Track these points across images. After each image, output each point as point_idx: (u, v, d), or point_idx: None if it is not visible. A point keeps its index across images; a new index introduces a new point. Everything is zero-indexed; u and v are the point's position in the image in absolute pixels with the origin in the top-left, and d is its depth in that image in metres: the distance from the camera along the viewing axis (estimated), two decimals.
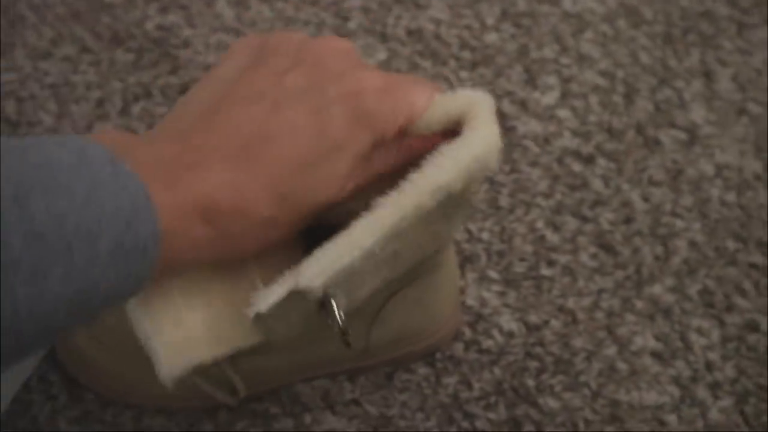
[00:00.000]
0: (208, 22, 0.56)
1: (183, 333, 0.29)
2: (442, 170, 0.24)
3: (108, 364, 0.39)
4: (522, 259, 0.47)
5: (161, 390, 0.39)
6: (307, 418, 0.42)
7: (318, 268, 0.25)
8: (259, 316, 0.26)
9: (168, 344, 0.29)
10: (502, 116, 0.52)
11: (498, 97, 0.53)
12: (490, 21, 0.57)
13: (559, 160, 0.51)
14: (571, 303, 0.45)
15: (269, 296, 0.25)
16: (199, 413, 0.41)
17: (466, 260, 0.47)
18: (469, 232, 0.48)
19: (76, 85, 0.53)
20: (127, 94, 0.53)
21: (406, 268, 0.31)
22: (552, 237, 0.48)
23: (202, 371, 0.37)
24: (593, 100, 0.54)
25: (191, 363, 0.29)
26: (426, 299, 0.38)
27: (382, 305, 0.36)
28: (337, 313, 0.27)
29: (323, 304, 0.27)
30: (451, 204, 0.26)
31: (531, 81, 0.54)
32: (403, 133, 0.27)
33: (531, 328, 0.44)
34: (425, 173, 0.24)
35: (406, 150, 0.27)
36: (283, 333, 0.29)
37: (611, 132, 0.52)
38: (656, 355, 0.44)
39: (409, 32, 0.56)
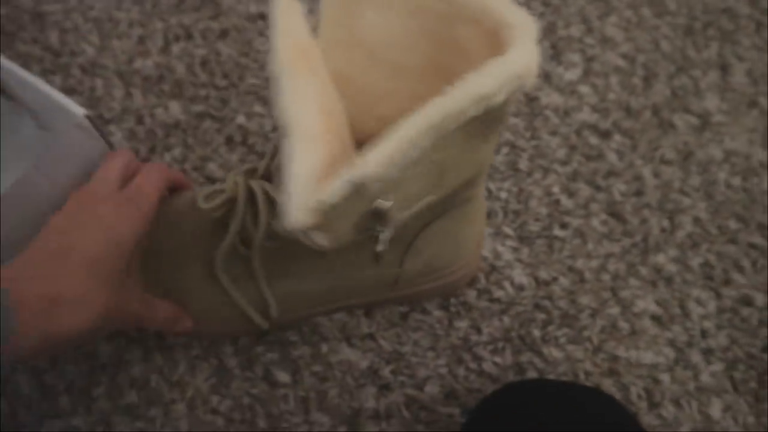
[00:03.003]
0: None
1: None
2: (485, 82, 0.26)
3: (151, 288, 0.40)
4: (536, 219, 0.49)
5: (198, 317, 0.40)
6: (324, 348, 0.44)
7: (373, 161, 0.27)
8: (323, 207, 0.27)
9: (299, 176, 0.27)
10: None
11: None
12: None
13: (578, 132, 0.53)
14: (579, 263, 0.48)
15: (334, 189, 0.27)
16: (220, 339, 0.43)
17: None
18: (488, 190, 0.50)
19: (119, 21, 0.55)
20: (168, 34, 0.55)
21: (447, 190, 0.32)
22: (566, 201, 0.50)
23: (241, 288, 0.39)
24: (613, 80, 0.56)
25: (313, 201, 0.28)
26: (457, 232, 0.39)
27: (416, 234, 0.38)
28: (388, 213, 0.29)
29: (376, 212, 0.29)
30: (489, 120, 0.28)
31: (556, 57, 0.56)
32: None
33: (540, 283, 0.47)
34: (470, 83, 0.27)
35: None
36: (336, 233, 0.30)
37: (629, 111, 0.55)
38: (656, 318, 0.47)
39: None
